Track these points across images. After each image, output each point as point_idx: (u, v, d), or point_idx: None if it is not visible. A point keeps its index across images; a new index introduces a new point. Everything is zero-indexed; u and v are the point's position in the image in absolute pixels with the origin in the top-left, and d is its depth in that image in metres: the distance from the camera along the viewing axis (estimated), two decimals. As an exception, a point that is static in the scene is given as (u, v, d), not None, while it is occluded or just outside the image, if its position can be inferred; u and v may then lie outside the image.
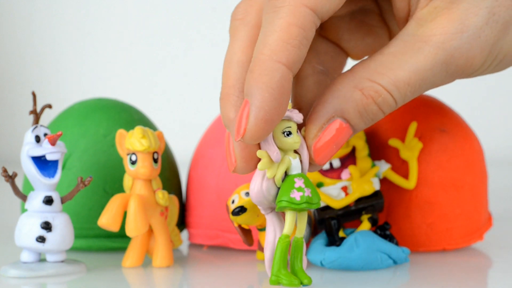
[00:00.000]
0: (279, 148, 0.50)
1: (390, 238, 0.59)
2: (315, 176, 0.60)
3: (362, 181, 0.59)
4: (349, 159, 0.61)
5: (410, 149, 0.61)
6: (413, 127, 0.62)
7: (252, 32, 0.52)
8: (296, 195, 0.49)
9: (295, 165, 0.50)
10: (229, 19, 0.54)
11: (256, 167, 0.50)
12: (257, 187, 0.50)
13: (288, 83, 0.47)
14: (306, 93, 0.54)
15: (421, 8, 0.51)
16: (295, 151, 0.50)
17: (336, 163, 0.60)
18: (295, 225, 0.51)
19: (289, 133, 0.49)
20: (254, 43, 0.51)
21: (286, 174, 0.50)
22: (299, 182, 0.50)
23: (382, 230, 0.59)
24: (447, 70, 0.50)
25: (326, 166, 0.60)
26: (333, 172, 0.61)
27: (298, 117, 0.50)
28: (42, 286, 0.55)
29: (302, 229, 0.51)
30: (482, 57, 0.51)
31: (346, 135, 0.50)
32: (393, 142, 0.62)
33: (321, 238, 0.58)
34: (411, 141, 0.61)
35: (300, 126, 0.51)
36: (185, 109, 1.42)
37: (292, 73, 0.47)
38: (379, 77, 0.50)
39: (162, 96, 1.44)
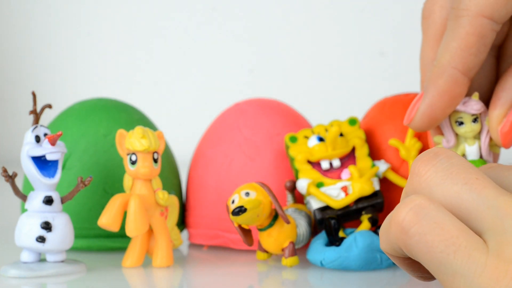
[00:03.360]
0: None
1: (390, 238, 0.59)
2: (315, 176, 0.60)
3: (362, 181, 0.59)
4: (349, 159, 0.61)
5: (410, 149, 0.61)
6: (413, 127, 0.62)
7: (439, 31, 0.55)
8: None
9: (470, 151, 0.54)
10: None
11: (429, 128, 0.53)
12: None
13: (460, 88, 0.52)
14: (482, 79, 0.56)
15: None
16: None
17: (336, 163, 0.60)
18: None
19: (461, 123, 0.54)
20: (441, 39, 0.55)
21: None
22: None
23: (382, 230, 0.59)
24: None
25: (326, 166, 0.61)
26: (333, 172, 0.61)
27: (473, 109, 0.53)
28: (42, 286, 0.55)
29: None
30: None
31: None
32: (393, 142, 0.62)
33: (321, 238, 0.58)
34: (411, 141, 0.61)
35: None
36: (185, 109, 1.42)
37: (467, 78, 0.52)
38: None
39: (162, 96, 1.44)
